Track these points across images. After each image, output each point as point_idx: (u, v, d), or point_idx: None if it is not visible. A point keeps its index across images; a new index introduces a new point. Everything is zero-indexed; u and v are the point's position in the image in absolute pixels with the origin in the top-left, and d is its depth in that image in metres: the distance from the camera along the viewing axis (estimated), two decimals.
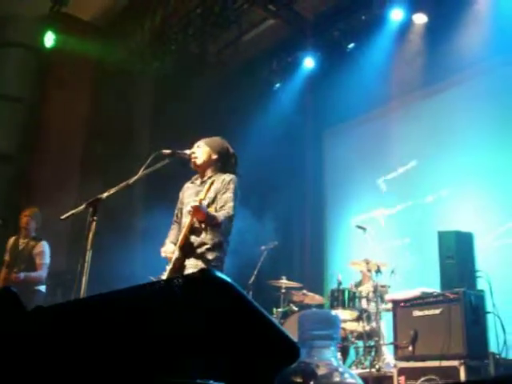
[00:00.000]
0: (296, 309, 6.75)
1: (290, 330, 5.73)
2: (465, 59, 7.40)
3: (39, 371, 1.45)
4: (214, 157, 4.27)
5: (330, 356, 5.30)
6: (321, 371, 4.32)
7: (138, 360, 1.17)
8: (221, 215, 3.96)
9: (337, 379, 4.83)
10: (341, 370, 5.13)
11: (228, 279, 1.10)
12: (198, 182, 4.29)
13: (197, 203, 3.79)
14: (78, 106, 8.42)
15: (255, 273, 6.86)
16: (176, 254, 3.97)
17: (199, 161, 4.24)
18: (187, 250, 3.98)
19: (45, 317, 1.51)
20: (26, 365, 1.47)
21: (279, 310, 6.76)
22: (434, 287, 5.78)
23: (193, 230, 3.99)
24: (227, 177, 4.16)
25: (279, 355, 1.13)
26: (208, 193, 3.92)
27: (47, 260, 6.27)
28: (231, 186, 4.11)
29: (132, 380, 1.15)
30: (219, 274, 1.09)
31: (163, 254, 4.15)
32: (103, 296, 1.24)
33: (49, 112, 8.28)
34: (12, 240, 6.43)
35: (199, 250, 3.98)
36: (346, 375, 5.03)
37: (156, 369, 1.17)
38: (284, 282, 6.86)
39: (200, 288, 1.12)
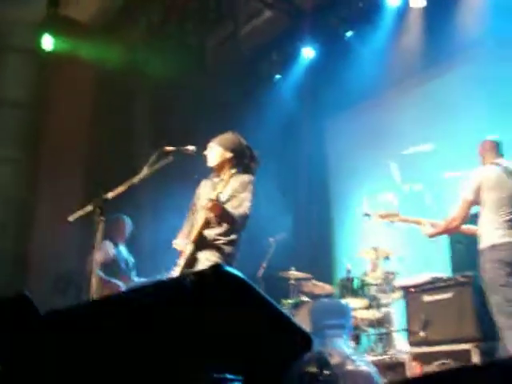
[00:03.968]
0: (306, 299, 6.76)
1: (302, 320, 5.77)
2: (464, 42, 7.36)
3: (54, 373, 1.47)
4: (229, 155, 4.25)
5: (343, 344, 5.33)
6: (334, 360, 4.34)
7: (154, 357, 1.18)
8: (236, 213, 3.98)
9: (350, 367, 4.86)
10: (354, 357, 5.15)
11: (239, 274, 1.11)
12: (216, 179, 4.28)
13: (213, 197, 3.81)
14: (79, 108, 8.42)
15: (264, 265, 6.88)
16: (189, 249, 3.98)
17: (212, 163, 4.25)
18: (200, 243, 3.99)
19: (58, 320, 1.53)
20: (44, 367, 1.49)
21: (289, 301, 6.77)
22: (444, 272, 5.78)
23: (207, 225, 4.00)
24: (246, 178, 4.17)
25: (293, 346, 1.14)
26: (225, 188, 3.93)
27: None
28: (249, 186, 4.13)
29: (149, 377, 1.17)
30: (230, 269, 1.10)
31: (175, 247, 4.16)
32: (116, 297, 1.25)
33: (50, 115, 8.29)
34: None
35: (213, 244, 4.00)
36: (360, 363, 5.05)
37: (173, 365, 1.18)
38: (293, 272, 6.86)
39: (211, 284, 1.13)
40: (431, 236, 5.01)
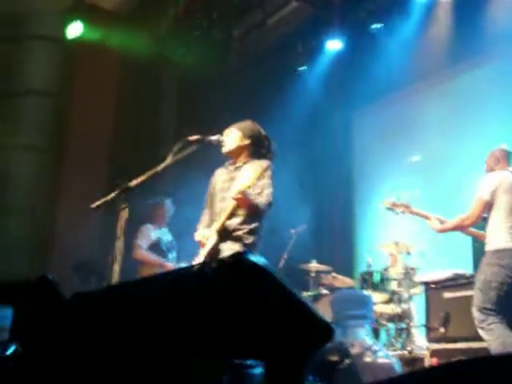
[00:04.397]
0: (326, 292, 6.76)
1: (323, 311, 5.78)
2: (494, 36, 7.24)
3: (77, 356, 1.48)
4: (247, 141, 4.24)
5: (364, 335, 5.31)
6: (355, 350, 4.35)
7: (176, 343, 1.19)
8: (262, 204, 3.98)
9: (371, 358, 4.85)
10: (375, 348, 5.14)
11: (262, 261, 1.11)
12: (232, 167, 4.28)
13: (242, 189, 3.79)
14: (104, 96, 8.48)
15: (285, 256, 6.88)
16: (213, 238, 3.99)
17: (230, 147, 4.22)
18: (223, 234, 4.00)
19: (83, 303, 1.54)
20: (67, 350, 1.50)
21: (309, 293, 6.77)
22: (466, 269, 5.73)
23: (231, 216, 4.00)
24: (264, 163, 4.12)
25: (315, 336, 1.14)
26: (257, 180, 3.90)
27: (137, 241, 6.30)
28: (268, 172, 4.09)
29: (171, 362, 1.17)
30: (252, 256, 1.10)
31: (196, 238, 4.17)
32: (138, 282, 1.26)
33: (76, 104, 8.35)
34: None
35: (235, 234, 4.00)
36: (380, 353, 5.03)
37: (195, 351, 1.19)
38: (314, 265, 6.86)
39: (233, 272, 1.13)
40: (440, 231, 5.04)
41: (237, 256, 1.16)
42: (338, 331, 5.23)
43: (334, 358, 3.33)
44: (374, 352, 5.02)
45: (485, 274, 4.41)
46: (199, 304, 1.20)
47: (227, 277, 1.14)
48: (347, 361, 3.44)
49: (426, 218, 5.15)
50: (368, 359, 4.81)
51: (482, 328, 4.31)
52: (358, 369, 3.61)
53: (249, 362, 1.13)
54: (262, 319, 1.15)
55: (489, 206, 4.53)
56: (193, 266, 1.25)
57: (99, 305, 1.38)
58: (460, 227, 4.87)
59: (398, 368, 5.01)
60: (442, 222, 5.01)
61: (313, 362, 1.17)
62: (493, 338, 4.23)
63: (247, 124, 4.34)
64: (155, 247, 6.28)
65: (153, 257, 6.19)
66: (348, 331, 5.37)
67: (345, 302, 5.75)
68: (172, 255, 6.41)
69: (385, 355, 5.09)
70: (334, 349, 3.38)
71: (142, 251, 6.21)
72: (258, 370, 1.08)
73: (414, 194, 6.18)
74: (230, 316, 1.16)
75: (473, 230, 4.99)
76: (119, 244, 3.68)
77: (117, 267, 3.63)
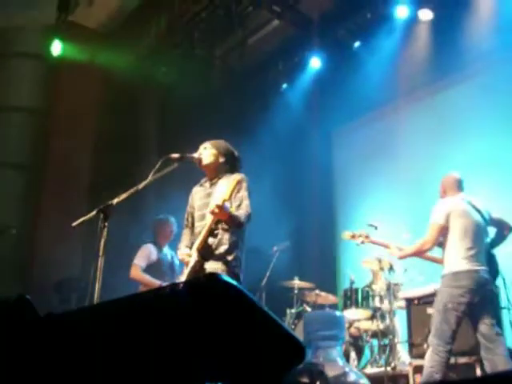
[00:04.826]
0: (309, 309, 6.75)
1: (300, 331, 5.76)
2: (472, 54, 7.34)
3: (50, 376, 1.47)
4: (222, 159, 4.31)
5: (336, 356, 5.30)
6: (327, 371, 4.33)
7: (143, 365, 1.18)
8: (242, 215, 4.00)
9: (343, 379, 4.84)
10: (347, 369, 5.13)
11: (234, 283, 1.11)
12: (207, 184, 4.32)
13: (220, 203, 3.81)
14: (86, 114, 8.47)
15: (267, 274, 6.86)
16: (194, 257, 3.99)
17: (206, 161, 4.27)
18: (205, 252, 4.00)
19: (56, 324, 1.53)
20: (38, 370, 1.49)
21: (292, 310, 6.76)
22: None
23: (210, 232, 4.01)
24: (237, 176, 4.18)
25: (286, 356, 1.13)
26: (233, 193, 3.94)
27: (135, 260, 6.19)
28: (244, 184, 4.15)
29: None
30: (226, 278, 1.10)
31: (180, 257, 4.18)
32: (111, 303, 1.25)
33: (58, 121, 8.33)
34: None
35: (217, 252, 4.01)
36: (352, 375, 5.03)
37: (162, 373, 1.18)
38: (297, 282, 6.85)
39: (206, 293, 1.13)
40: (400, 258, 5.25)
41: (210, 277, 1.16)
42: (309, 352, 5.22)
43: (306, 380, 3.31)
44: (345, 373, 5.02)
45: (441, 295, 4.56)
46: (171, 325, 1.19)
47: (199, 297, 1.14)
48: (318, 383, 3.43)
49: (386, 246, 5.34)
50: (340, 379, 4.80)
51: (430, 350, 4.48)
52: None
53: None
54: (233, 340, 1.14)
55: (444, 231, 4.68)
56: (167, 287, 1.24)
57: (71, 326, 1.37)
58: (419, 252, 5.00)
59: None
60: (400, 249, 5.18)
61: (283, 383, 1.17)
62: (429, 365, 4.40)
63: (222, 143, 4.42)
64: (154, 268, 6.14)
65: (148, 278, 6.04)
66: (320, 352, 5.35)
67: (316, 323, 5.72)
68: (176, 275, 6.26)
69: (357, 376, 5.08)
70: (306, 370, 3.36)
71: (138, 271, 6.09)
72: None
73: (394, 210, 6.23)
74: (201, 337, 1.15)
75: (429, 255, 5.13)
76: (100, 262, 3.67)
77: (97, 286, 3.61)
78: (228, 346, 1.13)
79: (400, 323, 6.40)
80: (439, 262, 4.92)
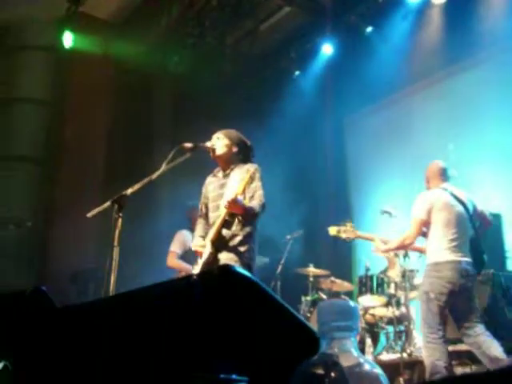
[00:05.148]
0: (324, 296, 6.75)
1: (315, 319, 5.75)
2: (486, 38, 7.25)
3: (66, 367, 1.48)
4: (235, 149, 4.31)
5: (350, 347, 5.28)
6: (341, 362, 4.32)
7: (157, 356, 1.18)
8: (256, 206, 4.00)
9: (357, 370, 4.84)
10: (361, 360, 5.12)
11: (247, 274, 1.10)
12: (221, 174, 4.32)
13: (233, 197, 3.81)
14: (99, 106, 8.48)
15: (282, 262, 6.86)
16: (208, 249, 4.00)
17: (220, 151, 4.26)
18: (219, 243, 4.01)
19: (72, 315, 1.54)
20: (56, 359, 1.50)
21: (308, 298, 6.76)
22: None
23: (224, 224, 4.02)
24: (251, 167, 4.18)
25: (300, 347, 1.13)
26: (246, 186, 3.94)
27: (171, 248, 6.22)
28: (257, 174, 4.15)
29: (150, 375, 1.17)
30: (239, 269, 1.10)
31: (193, 248, 4.19)
32: (126, 295, 1.25)
33: (71, 112, 8.36)
34: None
35: (231, 243, 4.02)
36: (367, 365, 5.02)
37: (176, 364, 1.18)
38: (311, 270, 6.85)
39: (219, 284, 1.13)
40: (384, 251, 5.36)
41: (223, 268, 1.16)
42: (323, 343, 5.22)
43: (320, 371, 3.31)
44: (360, 363, 5.01)
45: (425, 286, 4.62)
46: (185, 316, 1.19)
47: (213, 289, 1.14)
48: (333, 374, 3.42)
49: (371, 239, 5.40)
50: (354, 370, 4.80)
51: (423, 343, 4.53)
52: (344, 382, 3.58)
53: (233, 377, 1.12)
54: (247, 331, 1.14)
55: (427, 224, 4.74)
56: (180, 279, 1.24)
57: (87, 317, 1.38)
58: (402, 247, 5.13)
59: (384, 380, 5.03)
60: (385, 243, 5.22)
61: (298, 374, 1.16)
62: (425, 354, 4.46)
63: (234, 132, 4.41)
64: (190, 254, 6.17)
65: (184, 265, 6.04)
66: (334, 343, 5.33)
67: (330, 313, 5.70)
68: None
69: (371, 366, 5.08)
70: (320, 361, 3.35)
71: (174, 258, 6.12)
72: None
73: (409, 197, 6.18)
74: (216, 328, 1.15)
75: (414, 245, 5.16)
76: (115, 253, 3.69)
77: (113, 276, 3.63)
78: (242, 337, 1.13)
79: (415, 310, 6.38)
80: (423, 252, 5.01)
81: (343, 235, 5.57)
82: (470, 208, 4.82)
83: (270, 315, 1.15)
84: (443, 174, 4.99)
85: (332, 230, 5.67)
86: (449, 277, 4.48)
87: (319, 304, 6.37)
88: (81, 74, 8.31)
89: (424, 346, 4.51)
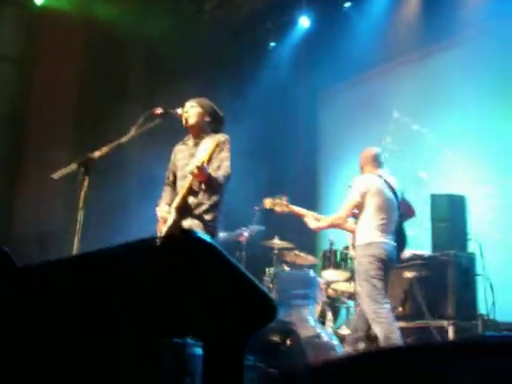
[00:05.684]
0: (288, 269, 6.80)
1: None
2: (464, 20, 7.30)
3: (28, 328, 1.47)
4: (207, 119, 4.29)
5: (308, 315, 5.38)
6: (298, 330, 4.41)
7: (115, 318, 1.18)
8: (221, 176, 4.00)
9: (313, 338, 4.94)
10: (318, 329, 5.22)
11: (208, 239, 1.11)
12: (191, 143, 4.29)
13: (199, 164, 3.80)
14: (70, 66, 8.30)
15: (248, 233, 6.86)
16: (173, 215, 4.00)
17: (192, 119, 4.24)
18: (184, 211, 4.01)
19: (33, 274, 1.53)
20: (15, 321, 1.49)
21: (272, 270, 6.80)
22: (426, 250, 5.83)
23: (190, 192, 4.01)
24: (221, 137, 4.16)
25: (258, 314, 1.14)
26: (212, 155, 3.93)
27: None
28: (226, 145, 4.14)
29: (106, 337, 1.17)
30: (199, 234, 1.10)
31: (159, 215, 4.18)
32: (86, 255, 1.25)
33: (41, 71, 8.17)
34: None
35: (197, 211, 4.02)
36: (323, 334, 5.13)
37: (133, 326, 1.18)
38: (276, 242, 6.87)
39: (180, 248, 1.13)
40: (315, 229, 5.45)
41: (184, 232, 1.15)
42: (281, 310, 5.30)
43: (276, 339, 3.36)
44: (318, 333, 5.11)
45: (363, 266, 4.81)
46: (144, 279, 1.19)
47: (173, 252, 1.14)
48: (289, 341, 3.48)
49: (303, 216, 5.52)
50: (310, 340, 4.89)
51: (371, 319, 4.66)
52: (300, 349, 3.65)
53: (189, 342, 1.13)
54: (204, 296, 1.15)
55: (359, 207, 4.96)
56: (140, 241, 1.24)
57: (48, 277, 1.37)
58: (333, 226, 5.31)
59: (340, 349, 5.15)
60: (317, 220, 5.41)
61: (254, 341, 1.17)
62: (379, 329, 4.58)
63: (207, 101, 4.39)
64: None
65: None
66: (292, 311, 5.44)
67: (290, 282, 5.81)
68: None
69: (328, 336, 5.18)
70: (277, 328, 3.41)
71: None
72: (198, 350, 1.08)
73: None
74: (173, 292, 1.15)
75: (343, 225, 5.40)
76: (80, 215, 3.66)
77: (76, 238, 3.62)
78: (198, 302, 1.13)
79: None
80: (352, 231, 5.24)
81: (278, 208, 5.67)
82: (399, 196, 5.10)
83: (229, 281, 1.15)
84: (376, 161, 5.21)
85: (267, 203, 5.78)
86: (378, 255, 4.74)
87: (279, 272, 6.43)
88: (52, 32, 8.11)
89: (374, 321, 4.63)
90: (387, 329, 4.52)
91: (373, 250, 4.76)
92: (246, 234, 6.53)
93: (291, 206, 5.65)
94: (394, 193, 5.05)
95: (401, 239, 5.06)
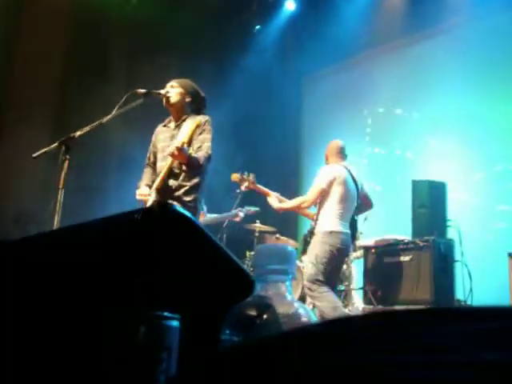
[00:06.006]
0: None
1: None
2: (449, 7, 7.31)
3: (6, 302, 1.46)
4: (188, 99, 4.27)
5: (285, 291, 5.42)
6: (275, 305, 4.42)
7: (94, 290, 1.18)
8: (201, 157, 3.98)
9: (290, 312, 4.99)
10: (295, 304, 5.27)
11: (187, 213, 1.10)
12: (172, 125, 4.27)
13: (179, 145, 3.77)
14: (52, 43, 8.19)
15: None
16: (153, 197, 3.98)
17: (173, 100, 4.21)
18: (164, 192, 3.99)
19: (10, 249, 1.51)
20: None
21: (252, 253, 6.82)
22: (406, 235, 5.88)
23: (171, 173, 4.00)
24: (202, 118, 4.15)
25: (235, 288, 1.14)
26: (193, 136, 3.92)
27: None
28: (207, 126, 4.12)
29: (82, 312, 1.16)
30: (178, 207, 1.10)
31: (138, 197, 4.15)
32: (66, 229, 1.24)
33: (21, 50, 8.05)
34: None
35: (177, 193, 4.00)
36: (300, 310, 5.17)
37: (110, 297, 1.18)
38: (258, 225, 6.89)
39: (158, 221, 1.12)
40: (278, 209, 5.51)
41: (163, 205, 1.15)
42: (258, 285, 5.34)
43: (252, 313, 3.38)
44: (294, 307, 5.15)
45: (316, 250, 4.98)
46: (123, 252, 1.18)
47: (151, 224, 1.13)
48: (265, 316, 3.50)
49: (267, 194, 5.66)
50: (286, 314, 4.92)
51: (313, 297, 4.90)
52: (277, 324, 3.67)
53: (166, 314, 1.12)
54: (182, 269, 1.15)
55: (324, 194, 5.09)
56: (120, 214, 1.23)
57: (24, 252, 1.35)
58: (297, 208, 5.52)
59: None
60: (280, 201, 5.54)
61: (230, 315, 1.18)
62: (324, 303, 4.79)
63: (188, 82, 4.36)
64: None
65: None
66: (269, 286, 5.48)
67: (267, 256, 5.84)
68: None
69: (304, 311, 5.23)
70: (253, 303, 3.42)
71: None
72: (175, 323, 1.08)
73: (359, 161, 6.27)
74: (152, 265, 1.15)
75: (305, 211, 5.67)
76: (60, 195, 3.64)
77: (56, 218, 3.59)
78: (176, 276, 1.13)
79: (357, 270, 6.53)
80: (311, 217, 5.44)
81: (243, 184, 5.78)
82: (359, 187, 5.30)
83: (206, 255, 1.15)
84: (342, 152, 5.39)
85: (234, 177, 5.87)
86: (336, 244, 4.94)
87: (256, 247, 6.45)
88: (35, 12, 7.98)
89: (315, 298, 4.86)
90: (330, 302, 4.76)
91: (332, 240, 4.94)
92: (241, 214, 6.54)
93: (256, 184, 5.77)
94: (356, 185, 5.24)
95: (353, 229, 5.26)
